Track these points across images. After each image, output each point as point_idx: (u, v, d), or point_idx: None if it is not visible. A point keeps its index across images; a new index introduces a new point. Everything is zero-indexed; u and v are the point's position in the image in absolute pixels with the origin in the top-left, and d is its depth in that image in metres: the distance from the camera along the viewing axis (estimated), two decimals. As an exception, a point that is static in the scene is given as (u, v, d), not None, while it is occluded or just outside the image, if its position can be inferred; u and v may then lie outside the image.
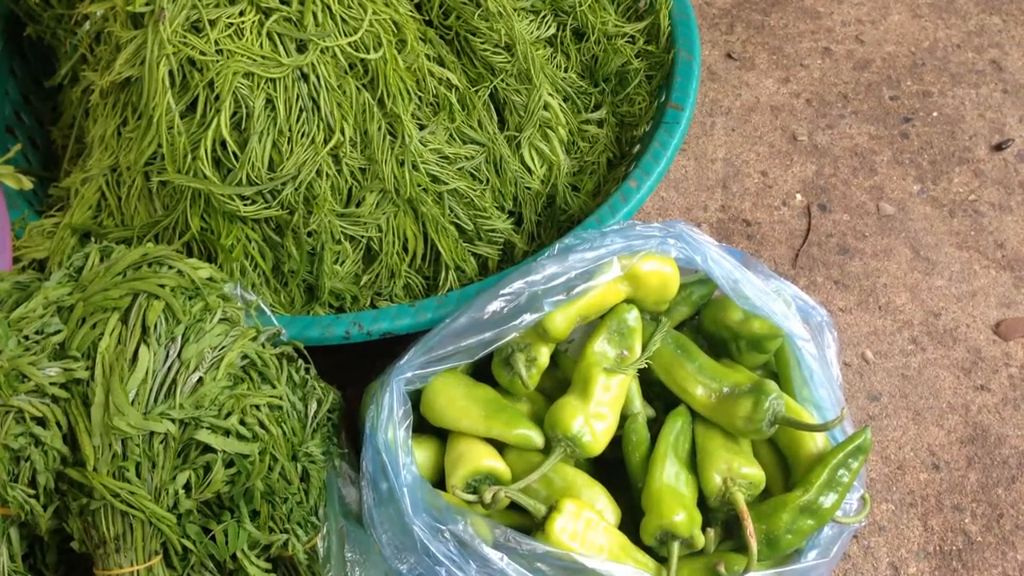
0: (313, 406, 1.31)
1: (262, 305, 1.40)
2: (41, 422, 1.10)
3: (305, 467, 1.26)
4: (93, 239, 1.40)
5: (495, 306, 1.33)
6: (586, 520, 1.24)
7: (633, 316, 1.40)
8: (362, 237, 1.54)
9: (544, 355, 1.38)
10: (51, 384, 1.10)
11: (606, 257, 1.37)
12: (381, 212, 1.54)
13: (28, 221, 1.54)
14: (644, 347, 1.40)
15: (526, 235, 1.75)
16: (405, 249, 1.59)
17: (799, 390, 1.41)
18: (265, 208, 1.43)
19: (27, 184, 1.54)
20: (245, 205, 1.42)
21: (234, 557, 1.19)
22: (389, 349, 1.51)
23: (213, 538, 1.17)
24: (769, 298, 1.40)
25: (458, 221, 1.63)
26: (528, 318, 1.30)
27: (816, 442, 1.35)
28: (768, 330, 1.38)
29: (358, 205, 1.53)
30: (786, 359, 1.44)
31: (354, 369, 1.59)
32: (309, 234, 1.47)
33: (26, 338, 1.12)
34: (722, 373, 1.38)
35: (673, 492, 1.28)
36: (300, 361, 1.38)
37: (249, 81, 1.39)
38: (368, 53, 1.48)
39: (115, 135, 1.49)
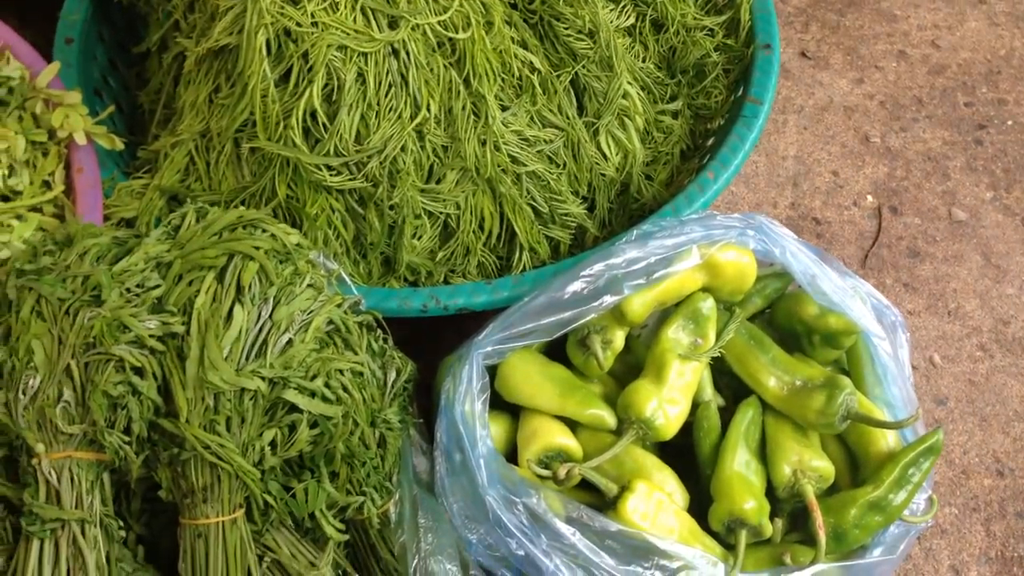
0: (392, 375, 1.34)
1: (343, 274, 1.43)
2: (139, 372, 1.13)
3: (383, 433, 1.29)
4: (189, 201, 1.43)
5: (575, 287, 1.34)
6: (657, 501, 1.26)
7: (709, 305, 1.41)
8: (441, 213, 1.57)
9: (619, 338, 1.39)
10: (150, 336, 1.13)
11: (685, 245, 1.38)
12: (460, 190, 1.56)
13: (117, 181, 1.58)
14: (718, 336, 1.41)
15: (598, 221, 1.76)
16: (481, 228, 1.61)
17: (871, 388, 1.41)
18: (350, 179, 1.46)
19: (119, 145, 1.58)
20: (331, 175, 1.44)
21: (312, 516, 1.22)
22: (456, 326, 1.54)
23: (294, 496, 1.20)
24: (846, 294, 1.40)
25: (534, 203, 1.64)
26: (608, 300, 1.32)
27: (887, 440, 1.36)
28: (845, 326, 1.39)
29: (438, 182, 1.55)
30: (859, 356, 1.44)
31: (418, 344, 1.62)
32: (391, 207, 1.50)
33: (128, 290, 1.15)
34: (795, 366, 1.39)
35: (743, 480, 1.29)
36: (379, 331, 1.40)
37: (342, 54, 1.42)
38: (457, 32, 1.50)
39: (207, 101, 1.53)
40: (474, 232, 1.60)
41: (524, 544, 1.22)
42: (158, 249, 1.21)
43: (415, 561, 1.24)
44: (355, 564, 1.32)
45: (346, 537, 1.26)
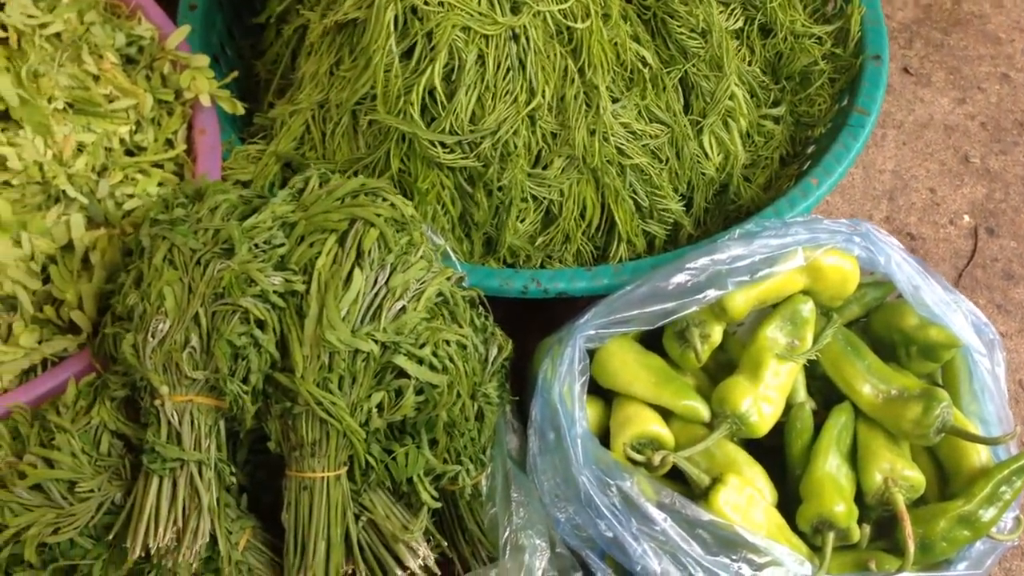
0: (494, 351, 1.37)
1: (448, 250, 1.46)
2: (260, 325, 1.17)
3: (481, 407, 1.32)
4: (312, 166, 1.47)
5: (679, 279, 1.36)
6: (748, 496, 1.27)
7: (808, 308, 1.42)
8: (544, 199, 1.59)
9: (717, 333, 1.41)
10: (273, 292, 1.17)
11: (791, 246, 1.39)
12: (566, 177, 1.58)
13: (234, 145, 1.63)
14: (815, 339, 1.41)
15: (693, 219, 1.78)
16: (582, 216, 1.63)
17: (967, 404, 1.41)
18: (463, 158, 1.49)
19: (240, 109, 1.63)
20: (445, 153, 1.48)
21: (409, 481, 1.25)
22: (539, 315, 1.56)
23: (394, 459, 1.23)
24: (949, 308, 1.40)
25: (636, 196, 1.66)
26: (712, 294, 1.33)
27: (980, 456, 1.35)
28: (946, 339, 1.38)
29: (545, 167, 1.57)
30: (956, 371, 1.44)
31: (505, 327, 1.64)
32: (499, 188, 1.53)
33: (256, 246, 1.19)
34: (891, 375, 1.39)
35: (834, 483, 1.30)
36: (480, 308, 1.43)
37: (465, 35, 1.45)
38: (576, 22, 1.52)
39: (328, 73, 1.57)
40: (575, 220, 1.62)
41: (614, 526, 1.24)
42: (284, 209, 1.25)
43: (506, 534, 1.27)
44: (440, 533, 1.35)
45: (439, 505, 1.28)
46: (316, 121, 1.59)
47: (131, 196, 1.45)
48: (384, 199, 1.30)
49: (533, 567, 1.24)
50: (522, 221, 1.59)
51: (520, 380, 1.51)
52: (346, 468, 1.21)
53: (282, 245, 1.22)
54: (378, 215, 1.24)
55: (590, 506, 1.26)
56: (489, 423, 1.34)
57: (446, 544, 1.33)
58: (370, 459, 1.22)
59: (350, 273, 1.20)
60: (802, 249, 1.39)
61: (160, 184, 1.49)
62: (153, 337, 1.14)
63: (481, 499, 1.35)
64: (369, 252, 1.22)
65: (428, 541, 1.29)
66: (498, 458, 1.35)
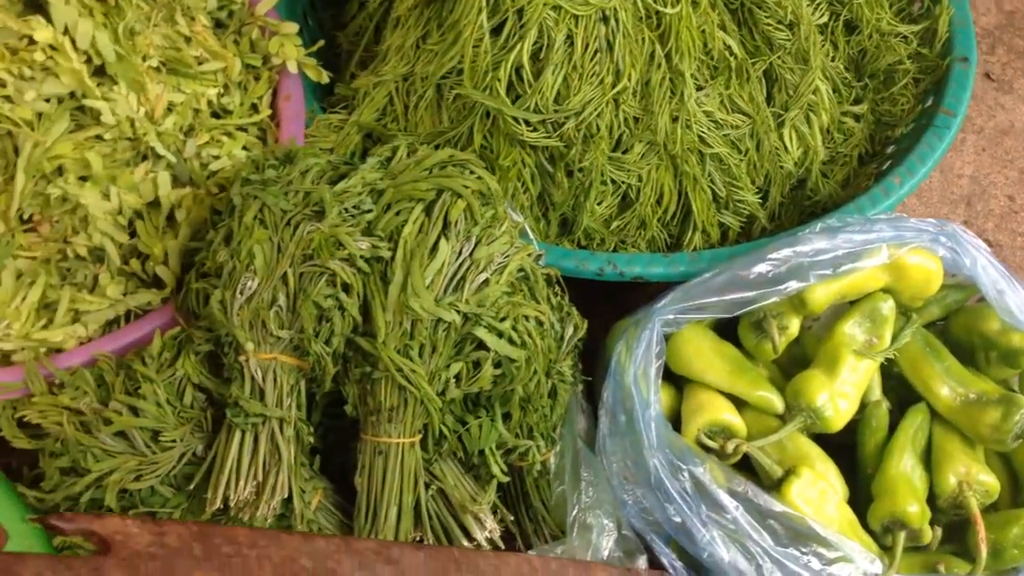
0: (569, 330, 1.37)
1: (526, 228, 1.46)
2: (346, 288, 1.18)
3: (555, 384, 1.32)
4: (400, 135, 1.48)
5: (761, 268, 1.35)
6: (821, 490, 1.26)
7: (888, 306, 1.40)
8: (622, 183, 1.58)
9: (795, 325, 1.39)
10: (360, 257, 1.18)
11: (875, 243, 1.37)
12: (645, 163, 1.57)
13: (315, 114, 1.64)
14: (894, 338, 1.40)
15: (768, 212, 1.76)
16: (658, 203, 1.62)
17: (1045, 412, 1.38)
18: (545, 137, 1.49)
19: (325, 78, 1.64)
20: (528, 131, 1.47)
21: (481, 453, 1.25)
22: (609, 299, 1.56)
23: (468, 430, 1.24)
24: (1033, 314, 1.37)
25: (713, 186, 1.65)
26: (793, 285, 1.32)
27: (1056, 465, 1.33)
28: (1029, 345, 1.36)
29: (625, 152, 1.57)
30: (1035, 379, 1.41)
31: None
32: (580, 170, 1.52)
33: (345, 210, 1.20)
34: (970, 379, 1.37)
35: (908, 482, 1.29)
36: (556, 287, 1.43)
37: (555, 14, 1.45)
38: (665, 7, 1.52)
39: (414, 46, 1.57)
40: (652, 206, 1.61)
41: (683, 511, 1.23)
42: (373, 176, 1.26)
43: (574, 512, 1.27)
44: (505, 508, 1.36)
45: (508, 479, 1.29)
46: (399, 93, 1.59)
47: (216, 157, 1.46)
48: (471, 172, 1.30)
49: (600, 546, 1.24)
50: (599, 204, 1.59)
51: (587, 363, 1.51)
52: (420, 436, 1.21)
53: (370, 211, 1.22)
54: (465, 187, 1.25)
55: (660, 489, 1.25)
56: (562, 401, 1.34)
57: (511, 519, 1.33)
58: (444, 428, 1.22)
59: (436, 243, 1.21)
60: (886, 246, 1.37)
61: (244, 148, 1.51)
62: (241, 294, 1.15)
63: (548, 477, 1.35)
64: (455, 223, 1.22)
65: (494, 514, 1.29)
66: (568, 437, 1.35)
